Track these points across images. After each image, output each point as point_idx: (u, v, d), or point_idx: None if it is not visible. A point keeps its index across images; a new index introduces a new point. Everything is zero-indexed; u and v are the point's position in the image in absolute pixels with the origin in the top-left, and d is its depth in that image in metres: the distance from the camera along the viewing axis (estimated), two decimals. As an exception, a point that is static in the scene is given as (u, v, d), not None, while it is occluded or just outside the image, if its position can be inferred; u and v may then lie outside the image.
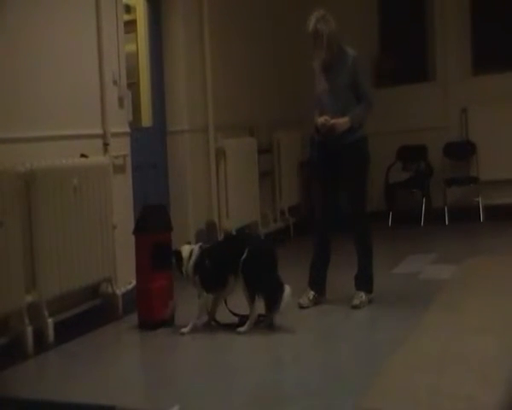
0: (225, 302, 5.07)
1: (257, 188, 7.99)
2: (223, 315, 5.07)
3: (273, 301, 4.83)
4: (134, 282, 5.47)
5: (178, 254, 5.05)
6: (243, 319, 4.94)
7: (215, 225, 7.23)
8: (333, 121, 5.27)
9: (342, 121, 5.28)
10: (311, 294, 5.53)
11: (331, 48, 5.28)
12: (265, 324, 4.93)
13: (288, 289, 4.82)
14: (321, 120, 5.33)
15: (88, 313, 5.37)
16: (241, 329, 4.86)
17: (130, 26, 6.68)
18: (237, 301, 5.04)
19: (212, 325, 5.07)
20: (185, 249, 5.07)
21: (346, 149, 5.35)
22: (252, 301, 4.86)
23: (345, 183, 5.43)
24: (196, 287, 5.00)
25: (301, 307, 5.43)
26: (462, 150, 9.04)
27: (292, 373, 4.18)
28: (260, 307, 4.92)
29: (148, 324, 5.13)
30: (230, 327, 4.95)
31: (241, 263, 4.86)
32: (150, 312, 5.14)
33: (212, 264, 4.98)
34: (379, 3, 9.54)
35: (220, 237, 7.18)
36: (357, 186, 5.44)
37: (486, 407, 3.33)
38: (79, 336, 5.07)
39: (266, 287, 4.85)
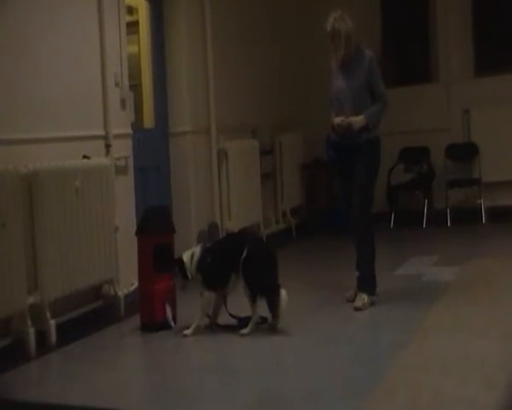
0: (225, 305, 5.06)
1: (259, 189, 7.98)
2: (223, 318, 5.06)
3: (270, 305, 4.83)
4: (136, 283, 5.47)
5: (180, 261, 5.04)
6: (242, 322, 4.93)
7: (217, 226, 7.22)
8: (348, 119, 5.31)
9: (358, 119, 5.32)
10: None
11: (349, 47, 5.34)
12: (269, 327, 4.92)
13: (284, 293, 4.79)
14: (337, 120, 5.37)
15: (90, 315, 5.37)
16: (244, 331, 4.85)
17: (133, 27, 6.68)
18: (237, 303, 5.02)
19: (214, 327, 5.06)
20: (186, 254, 5.06)
21: (359, 149, 5.38)
22: (253, 301, 4.85)
23: (354, 182, 5.43)
24: (199, 285, 4.99)
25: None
26: (465, 152, 9.03)
27: (294, 376, 4.18)
28: (262, 307, 4.91)
29: (151, 325, 5.12)
30: (233, 329, 4.94)
31: (240, 262, 4.86)
32: (152, 313, 5.13)
33: (213, 261, 4.98)
34: (381, 5, 9.53)
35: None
36: (364, 186, 5.44)
37: (489, 410, 3.33)
38: (82, 337, 5.07)
39: (265, 288, 4.84)
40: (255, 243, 5.15)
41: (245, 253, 4.87)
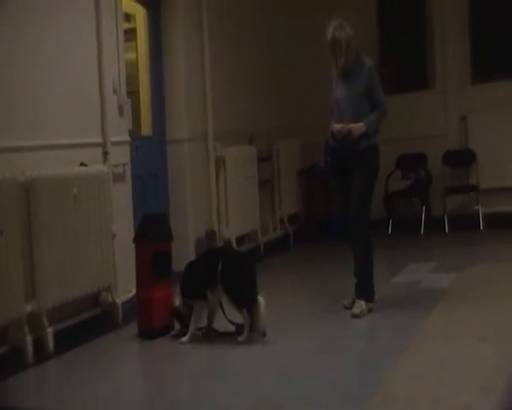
0: (223, 311, 5.06)
1: (256, 196, 7.99)
2: (221, 324, 5.06)
3: (250, 314, 4.85)
4: (134, 291, 5.46)
5: (176, 311, 5.11)
6: (240, 328, 4.93)
7: (215, 233, 7.22)
8: (349, 126, 5.34)
9: (358, 126, 5.35)
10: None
11: (349, 55, 5.39)
12: (258, 332, 4.92)
13: (262, 301, 4.81)
14: (337, 127, 5.41)
15: (88, 323, 5.35)
16: (240, 338, 4.84)
17: (130, 34, 6.69)
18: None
19: (211, 335, 5.05)
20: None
21: (358, 155, 5.40)
22: (239, 310, 4.86)
23: (352, 188, 5.45)
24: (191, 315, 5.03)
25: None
26: (462, 158, 9.04)
27: (292, 383, 4.17)
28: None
29: (148, 333, 5.12)
30: (229, 336, 4.94)
31: (218, 276, 4.88)
32: (150, 321, 5.13)
33: (193, 278, 5.07)
34: (378, 11, 9.55)
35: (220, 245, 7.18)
36: (362, 193, 5.45)
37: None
38: (79, 345, 5.05)
39: (244, 300, 4.87)
40: (230, 256, 5.18)
41: (220, 267, 4.89)
